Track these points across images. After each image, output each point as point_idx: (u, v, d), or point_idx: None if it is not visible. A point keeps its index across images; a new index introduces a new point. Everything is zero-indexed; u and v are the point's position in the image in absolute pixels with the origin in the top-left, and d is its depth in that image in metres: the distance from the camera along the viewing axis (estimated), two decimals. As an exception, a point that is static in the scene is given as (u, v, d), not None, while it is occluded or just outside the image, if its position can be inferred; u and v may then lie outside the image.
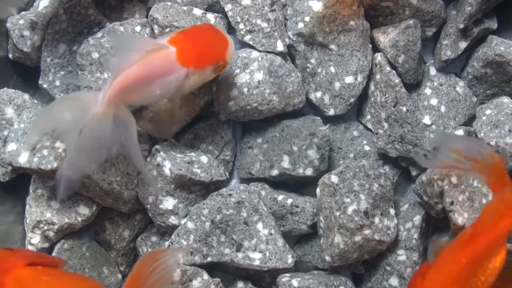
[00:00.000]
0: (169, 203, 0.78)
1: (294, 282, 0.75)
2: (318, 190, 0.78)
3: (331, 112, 0.84)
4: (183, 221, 0.77)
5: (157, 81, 0.68)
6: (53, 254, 0.79)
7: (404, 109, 0.79)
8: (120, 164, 0.78)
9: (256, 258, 0.76)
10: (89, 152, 0.66)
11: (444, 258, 0.66)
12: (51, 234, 0.78)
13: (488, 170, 0.66)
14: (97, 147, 0.66)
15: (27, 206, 0.78)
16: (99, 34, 0.80)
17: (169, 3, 0.80)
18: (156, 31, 0.79)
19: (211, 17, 0.81)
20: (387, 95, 0.80)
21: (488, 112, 0.81)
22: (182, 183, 0.78)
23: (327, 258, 0.77)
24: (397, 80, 0.79)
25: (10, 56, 0.84)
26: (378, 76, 0.82)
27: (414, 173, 0.83)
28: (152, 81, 0.68)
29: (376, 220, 0.76)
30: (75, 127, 0.65)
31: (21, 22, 0.81)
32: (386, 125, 0.81)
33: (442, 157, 0.69)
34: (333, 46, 0.83)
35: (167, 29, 0.79)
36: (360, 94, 0.83)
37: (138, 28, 0.81)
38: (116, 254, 0.82)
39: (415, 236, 0.78)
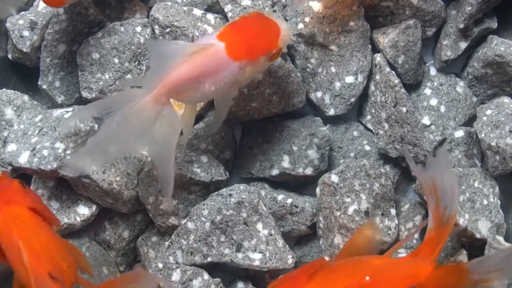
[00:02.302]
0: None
1: (294, 283, 0.75)
2: (318, 189, 0.78)
3: (332, 112, 0.84)
4: (183, 222, 0.77)
5: (209, 79, 0.67)
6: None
7: (404, 109, 0.79)
8: (120, 164, 0.77)
9: (256, 259, 0.76)
10: (119, 142, 0.64)
11: (345, 271, 0.62)
12: (51, 234, 0.77)
13: (436, 226, 0.64)
14: (127, 141, 0.65)
15: (27, 207, 0.78)
16: (99, 34, 0.80)
17: (169, 3, 0.80)
18: (156, 32, 0.79)
19: (211, 18, 0.81)
20: (387, 95, 0.80)
21: (488, 112, 0.80)
22: (182, 183, 0.78)
23: (327, 259, 0.77)
24: (397, 81, 0.79)
25: (10, 56, 0.84)
26: (378, 77, 0.82)
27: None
28: (204, 79, 0.67)
29: (377, 220, 0.76)
30: (118, 117, 0.63)
31: (21, 22, 0.81)
32: (386, 125, 0.81)
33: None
34: (333, 47, 0.83)
35: (168, 29, 0.79)
36: (360, 94, 0.84)
37: (139, 29, 0.81)
38: (115, 254, 0.82)
39: (416, 235, 0.78)
